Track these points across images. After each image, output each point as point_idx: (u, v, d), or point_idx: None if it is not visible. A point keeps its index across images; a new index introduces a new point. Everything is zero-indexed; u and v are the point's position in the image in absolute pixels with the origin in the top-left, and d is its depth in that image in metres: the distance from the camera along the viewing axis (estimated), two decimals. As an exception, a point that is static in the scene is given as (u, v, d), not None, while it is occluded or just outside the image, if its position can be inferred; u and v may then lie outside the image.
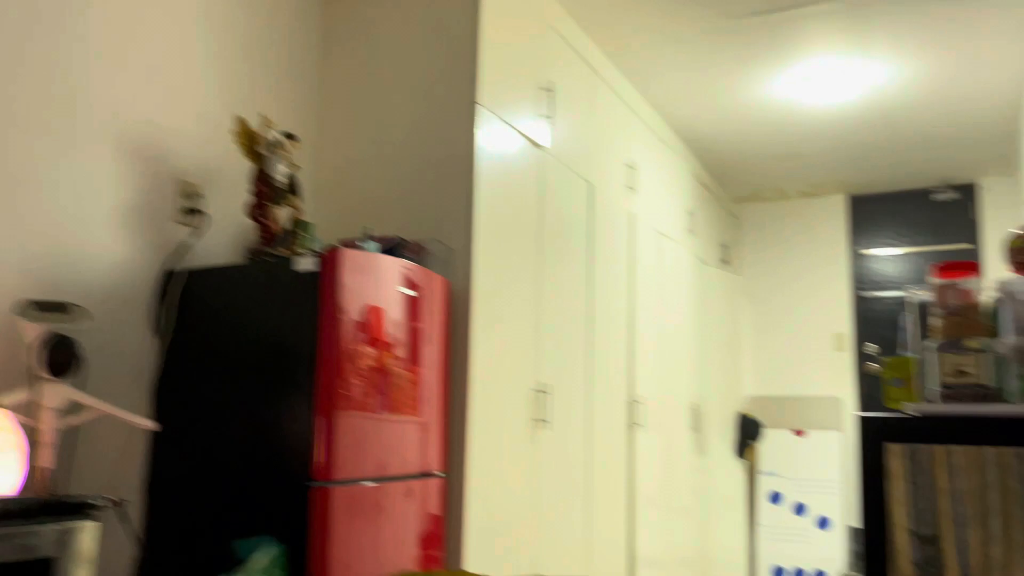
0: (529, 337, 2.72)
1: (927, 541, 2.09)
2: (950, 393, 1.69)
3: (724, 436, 4.78)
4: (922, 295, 1.88)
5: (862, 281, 5.32)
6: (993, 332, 1.78)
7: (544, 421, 2.78)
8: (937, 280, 1.77)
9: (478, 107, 2.54)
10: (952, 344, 1.70)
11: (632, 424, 3.48)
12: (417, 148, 2.63)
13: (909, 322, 1.96)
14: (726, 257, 5.15)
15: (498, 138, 2.64)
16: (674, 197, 4.26)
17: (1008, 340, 1.70)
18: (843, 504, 4.68)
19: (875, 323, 5.19)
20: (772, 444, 4.75)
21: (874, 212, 5.40)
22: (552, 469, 2.82)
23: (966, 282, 1.76)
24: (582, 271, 3.14)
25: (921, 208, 5.25)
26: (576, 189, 3.15)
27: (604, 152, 3.42)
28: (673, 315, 4.05)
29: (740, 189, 5.41)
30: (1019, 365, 1.67)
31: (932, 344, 1.75)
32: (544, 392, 2.79)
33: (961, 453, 1.87)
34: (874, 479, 1.73)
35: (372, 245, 2.30)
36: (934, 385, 1.73)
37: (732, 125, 4.24)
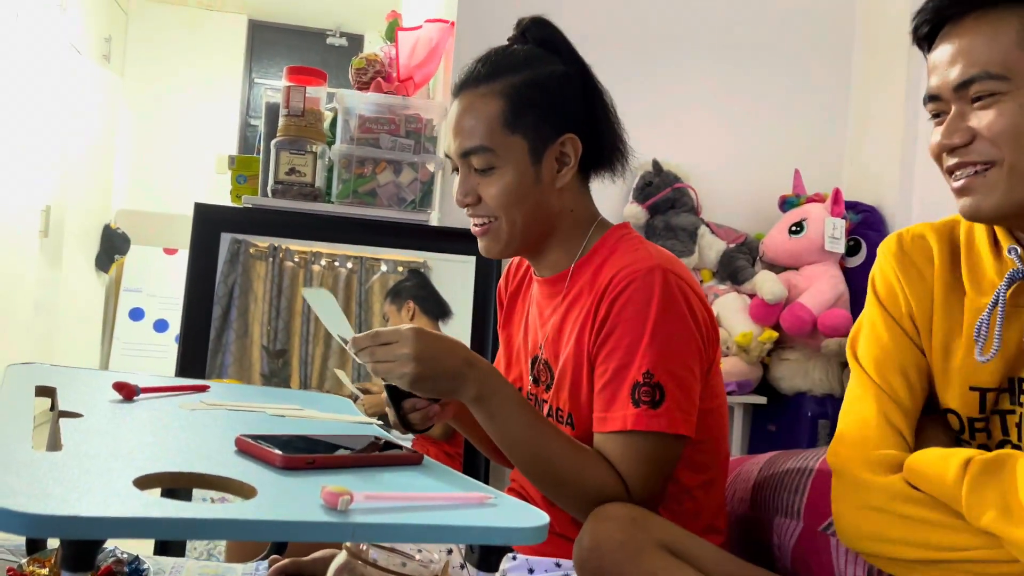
0: None
1: (278, 355, 2.25)
2: (282, 189, 1.78)
3: (87, 248, 4.41)
4: (276, 98, 1.92)
5: (252, 108, 5.35)
6: (331, 140, 1.93)
7: None
8: (287, 83, 1.82)
9: None
10: (291, 143, 1.79)
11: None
12: None
13: (262, 123, 2.00)
14: (108, 53, 4.60)
15: None
16: (43, -38, 3.58)
17: (341, 148, 1.87)
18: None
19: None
20: (140, 261, 4.54)
21: (272, 42, 5.42)
22: None
23: (314, 89, 1.85)
24: None
25: (315, 48, 5.45)
26: None
27: None
28: (29, 103, 3.47)
29: (132, -19, 4.85)
30: (345, 171, 1.85)
31: (274, 143, 1.81)
32: None
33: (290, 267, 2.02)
34: (207, 264, 1.75)
35: None
36: (271, 182, 1.81)
37: None
